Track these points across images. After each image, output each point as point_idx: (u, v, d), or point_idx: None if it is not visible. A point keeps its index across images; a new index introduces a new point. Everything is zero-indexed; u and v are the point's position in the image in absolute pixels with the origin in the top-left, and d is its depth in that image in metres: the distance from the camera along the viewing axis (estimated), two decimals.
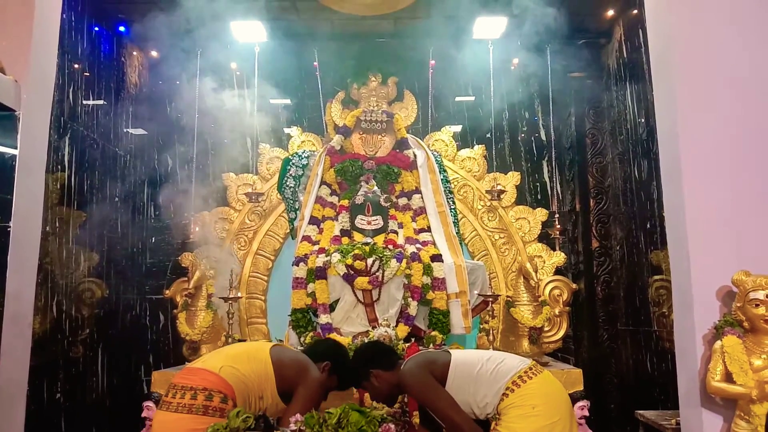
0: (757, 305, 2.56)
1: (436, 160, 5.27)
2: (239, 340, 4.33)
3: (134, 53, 5.73)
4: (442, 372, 2.67)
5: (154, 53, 5.79)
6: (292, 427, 1.36)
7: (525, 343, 4.68)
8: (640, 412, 3.94)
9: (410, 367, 2.71)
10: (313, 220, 4.97)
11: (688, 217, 2.86)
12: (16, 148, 2.84)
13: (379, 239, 4.76)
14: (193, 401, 2.48)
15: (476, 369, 2.64)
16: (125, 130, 5.56)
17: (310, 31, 5.63)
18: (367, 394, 3.64)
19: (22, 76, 2.89)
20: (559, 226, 5.10)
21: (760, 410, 2.43)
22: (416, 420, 3.49)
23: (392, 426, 1.19)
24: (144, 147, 5.61)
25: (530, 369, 2.63)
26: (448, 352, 2.85)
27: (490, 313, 4.40)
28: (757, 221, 2.81)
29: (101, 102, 5.22)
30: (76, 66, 4.79)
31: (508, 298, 4.93)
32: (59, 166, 4.44)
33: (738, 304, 2.64)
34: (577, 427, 2.62)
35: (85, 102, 4.93)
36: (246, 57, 5.45)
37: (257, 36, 5.45)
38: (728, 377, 2.56)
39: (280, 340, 4.75)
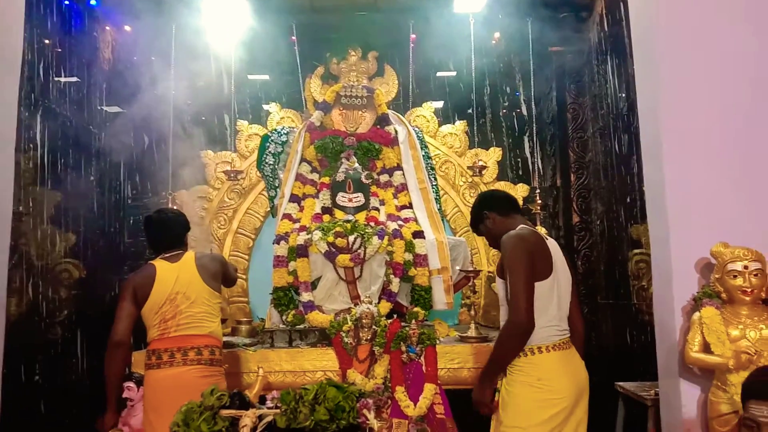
0: (735, 276, 2.59)
1: (418, 136, 5.24)
2: None
3: (107, 28, 5.57)
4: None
5: (127, 28, 5.63)
6: (269, 404, 1.35)
7: None
8: (620, 383, 3.99)
9: (517, 234, 2.51)
10: (294, 198, 4.93)
11: (668, 191, 2.86)
12: None
13: (361, 216, 4.74)
14: (200, 356, 2.96)
15: (543, 304, 2.41)
16: (99, 108, 5.42)
17: (288, 4, 5.50)
18: (349, 371, 3.66)
19: None
20: (540, 202, 5.11)
21: (736, 379, 2.45)
22: (398, 395, 3.52)
23: (370, 401, 1.18)
24: (119, 125, 5.48)
25: (555, 345, 2.43)
26: (552, 266, 2.50)
27: (472, 288, 4.42)
28: (736, 194, 2.83)
29: (74, 79, 5.08)
30: (47, 41, 4.65)
31: (490, 274, 4.96)
32: (31, 145, 4.33)
33: (716, 276, 2.66)
34: (586, 414, 2.45)
35: (56, 79, 4.80)
36: (222, 31, 5.32)
37: (234, 9, 5.32)
38: (706, 348, 2.60)
39: (262, 319, 4.75)
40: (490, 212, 2.71)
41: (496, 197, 2.81)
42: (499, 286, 2.63)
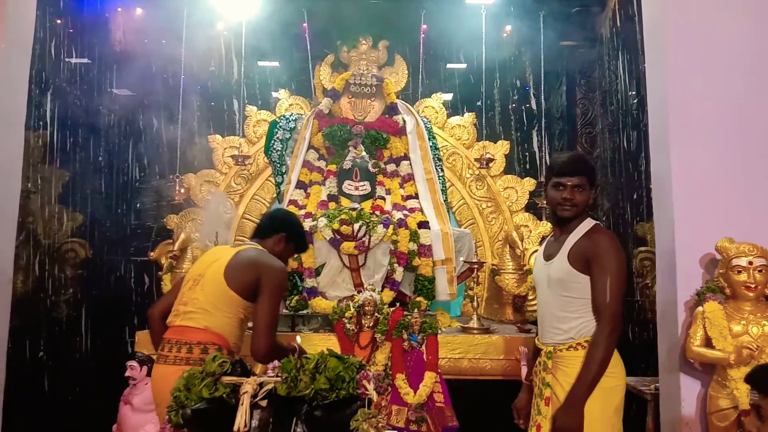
0: (739, 272, 2.58)
1: (426, 126, 5.23)
2: None
3: (119, 10, 5.58)
4: None
5: (139, 11, 5.65)
6: (270, 372, 1.36)
7: (509, 311, 4.72)
8: None
9: (614, 234, 2.39)
10: (300, 185, 4.94)
11: (675, 185, 2.86)
12: None
13: (367, 205, 4.75)
14: (190, 354, 2.61)
15: None
16: (110, 90, 5.45)
17: None
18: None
19: None
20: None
21: (736, 374, 2.46)
22: (398, 383, 3.54)
23: (370, 373, 1.19)
24: (129, 107, 5.51)
25: None
26: None
27: (475, 280, 4.42)
28: (743, 190, 2.82)
29: (85, 60, 5.11)
30: (59, 21, 4.67)
31: (494, 266, 4.96)
32: (41, 123, 4.36)
33: (720, 271, 2.66)
34: None
35: (68, 59, 4.82)
36: (233, 17, 5.33)
37: None
38: (708, 342, 2.59)
39: None
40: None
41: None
42: (569, 276, 2.31)
